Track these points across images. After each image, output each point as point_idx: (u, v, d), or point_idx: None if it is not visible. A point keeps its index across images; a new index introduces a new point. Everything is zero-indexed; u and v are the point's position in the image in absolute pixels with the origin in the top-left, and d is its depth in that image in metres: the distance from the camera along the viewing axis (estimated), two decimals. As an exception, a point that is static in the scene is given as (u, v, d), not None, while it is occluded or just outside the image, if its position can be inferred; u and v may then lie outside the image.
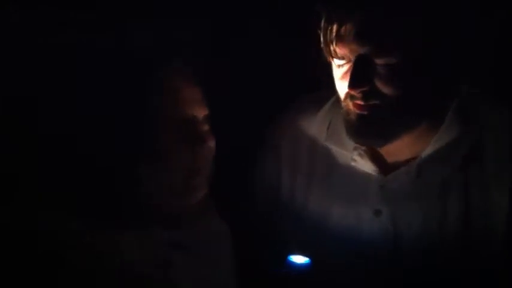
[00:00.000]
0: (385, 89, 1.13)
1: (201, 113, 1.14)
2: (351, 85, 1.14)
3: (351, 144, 1.26)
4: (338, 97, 1.27)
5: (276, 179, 1.37)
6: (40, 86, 1.08)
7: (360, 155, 1.26)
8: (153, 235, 1.10)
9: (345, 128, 1.21)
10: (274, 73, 1.57)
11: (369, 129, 1.17)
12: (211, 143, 1.15)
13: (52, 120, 1.07)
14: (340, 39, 1.13)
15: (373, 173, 1.25)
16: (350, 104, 1.18)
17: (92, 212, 1.05)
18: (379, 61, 1.12)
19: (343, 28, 1.12)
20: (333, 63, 1.20)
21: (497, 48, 1.45)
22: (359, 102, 1.16)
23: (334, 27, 1.13)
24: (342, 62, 1.16)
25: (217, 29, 1.49)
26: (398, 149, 1.24)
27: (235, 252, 1.25)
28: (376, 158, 1.26)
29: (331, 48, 1.15)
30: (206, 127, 1.15)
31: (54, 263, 1.01)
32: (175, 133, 1.09)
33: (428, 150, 1.22)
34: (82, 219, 1.04)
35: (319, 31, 1.17)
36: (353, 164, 1.27)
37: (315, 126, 1.34)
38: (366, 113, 1.16)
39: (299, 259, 1.19)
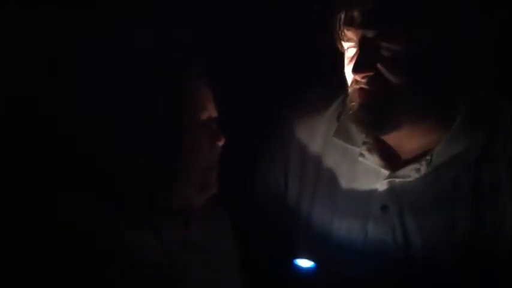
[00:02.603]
0: (389, 75, 1.14)
1: (214, 113, 1.17)
2: (354, 69, 1.16)
3: (360, 139, 1.27)
4: (346, 94, 1.27)
5: (282, 180, 1.37)
6: (40, 85, 1.08)
7: (368, 149, 1.26)
8: (165, 233, 1.11)
9: (349, 116, 1.21)
10: (274, 73, 1.57)
11: (369, 116, 1.17)
12: (222, 142, 1.18)
13: (52, 120, 1.07)
14: (349, 23, 1.15)
15: (381, 168, 1.25)
16: (354, 90, 1.19)
17: (105, 210, 1.05)
18: (384, 45, 1.13)
19: (352, 13, 1.14)
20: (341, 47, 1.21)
21: (498, 48, 1.45)
22: (363, 86, 1.17)
23: (343, 13, 1.15)
24: (349, 44, 1.18)
25: (217, 29, 1.49)
26: (406, 145, 1.24)
27: (241, 252, 1.25)
28: (385, 153, 1.26)
29: (341, 32, 1.17)
30: (217, 127, 1.17)
31: (61, 263, 1.01)
32: (194, 133, 1.11)
33: (439, 148, 1.21)
34: (94, 217, 1.05)
35: (331, 19, 1.19)
36: (361, 159, 1.27)
37: (324, 123, 1.34)
38: (367, 99, 1.17)
39: (305, 263, 1.19)
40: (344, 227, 1.27)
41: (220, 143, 1.17)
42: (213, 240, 1.18)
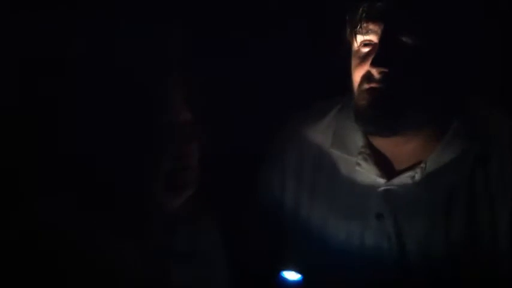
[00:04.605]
0: (405, 74, 1.14)
1: (187, 115, 1.14)
2: (374, 62, 1.15)
3: (355, 148, 1.27)
4: (343, 105, 1.30)
5: (279, 190, 1.36)
6: (40, 86, 1.08)
7: (364, 159, 1.26)
8: (152, 236, 1.10)
9: (354, 116, 1.22)
10: (276, 75, 1.56)
11: (379, 114, 1.17)
12: (197, 142, 1.15)
13: (51, 120, 1.06)
14: (371, 16, 1.15)
15: (377, 177, 1.25)
16: (364, 90, 1.18)
17: (91, 212, 1.04)
18: (406, 41, 1.13)
19: (375, 6, 1.14)
20: (354, 44, 1.21)
21: (504, 51, 1.45)
22: (375, 85, 1.17)
23: (366, 5, 1.15)
24: (366, 38, 1.18)
25: (218, 30, 1.49)
26: (401, 154, 1.24)
27: (234, 258, 1.24)
28: (380, 163, 1.26)
29: (360, 26, 1.17)
30: (192, 127, 1.15)
31: (52, 264, 1.00)
32: (164, 133, 1.09)
33: (433, 156, 1.22)
34: (81, 219, 1.03)
35: (347, 16, 1.20)
36: (357, 168, 1.27)
37: (320, 133, 1.34)
38: (377, 98, 1.16)
39: (291, 275, 1.17)
40: (341, 236, 1.27)
41: (194, 144, 1.14)
42: (200, 244, 1.17)
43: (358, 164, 1.27)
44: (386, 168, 1.26)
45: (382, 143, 1.25)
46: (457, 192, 1.21)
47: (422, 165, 1.22)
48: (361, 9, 1.16)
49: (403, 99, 1.16)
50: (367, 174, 1.26)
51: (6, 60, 1.09)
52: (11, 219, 1.02)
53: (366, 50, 1.19)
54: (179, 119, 1.11)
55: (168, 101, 1.09)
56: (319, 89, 1.42)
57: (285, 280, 1.16)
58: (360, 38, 1.19)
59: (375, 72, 1.16)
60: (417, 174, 1.22)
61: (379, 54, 1.15)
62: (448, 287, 1.20)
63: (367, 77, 1.18)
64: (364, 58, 1.19)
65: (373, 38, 1.17)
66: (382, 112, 1.17)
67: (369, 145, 1.26)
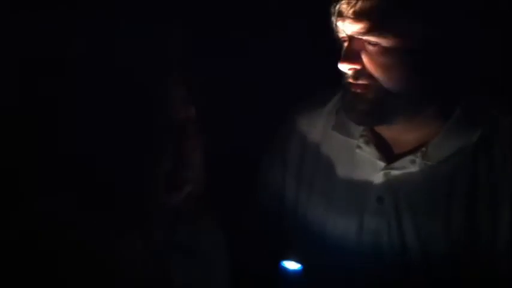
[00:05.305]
0: (374, 70, 1.16)
1: (187, 115, 1.14)
2: (340, 61, 1.19)
3: (357, 132, 1.28)
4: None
5: (281, 176, 1.37)
6: (40, 86, 1.08)
7: (365, 142, 1.27)
8: (152, 236, 1.10)
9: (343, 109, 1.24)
10: (276, 75, 1.56)
11: (359, 106, 1.19)
12: (197, 141, 1.15)
13: (51, 120, 1.06)
14: (339, 15, 1.18)
15: (378, 160, 1.25)
16: (345, 84, 1.21)
17: (92, 212, 1.04)
18: (370, 39, 1.15)
19: (343, 5, 1.17)
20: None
21: (504, 48, 1.44)
22: (350, 80, 1.19)
23: (338, 5, 1.19)
24: (343, 35, 1.20)
25: (218, 30, 1.49)
26: (402, 138, 1.25)
27: (233, 255, 1.24)
28: (381, 147, 1.27)
29: (334, 24, 1.20)
30: (192, 126, 1.15)
31: (52, 263, 1.00)
32: (165, 134, 1.09)
33: (435, 140, 1.22)
34: (81, 219, 1.03)
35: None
36: (358, 151, 1.28)
37: (323, 118, 1.35)
38: (357, 90, 1.19)
39: (292, 265, 1.17)
40: (340, 221, 1.28)
41: (194, 144, 1.13)
42: (201, 244, 1.16)
43: (359, 147, 1.28)
44: (387, 152, 1.27)
45: (382, 130, 1.26)
46: (458, 181, 1.21)
47: (424, 149, 1.22)
48: (333, 9, 1.20)
49: (377, 95, 1.17)
50: (368, 157, 1.27)
51: (6, 60, 1.09)
52: (11, 219, 1.02)
53: (345, 45, 1.21)
54: (179, 118, 1.11)
55: (168, 100, 1.09)
56: (319, 89, 1.42)
57: (285, 270, 1.17)
58: (339, 35, 1.22)
59: (344, 69, 1.19)
60: (418, 159, 1.22)
61: (344, 54, 1.19)
62: (447, 277, 1.20)
63: (343, 72, 1.21)
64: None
65: (344, 35, 1.20)
66: (360, 105, 1.19)
67: (371, 130, 1.28)
